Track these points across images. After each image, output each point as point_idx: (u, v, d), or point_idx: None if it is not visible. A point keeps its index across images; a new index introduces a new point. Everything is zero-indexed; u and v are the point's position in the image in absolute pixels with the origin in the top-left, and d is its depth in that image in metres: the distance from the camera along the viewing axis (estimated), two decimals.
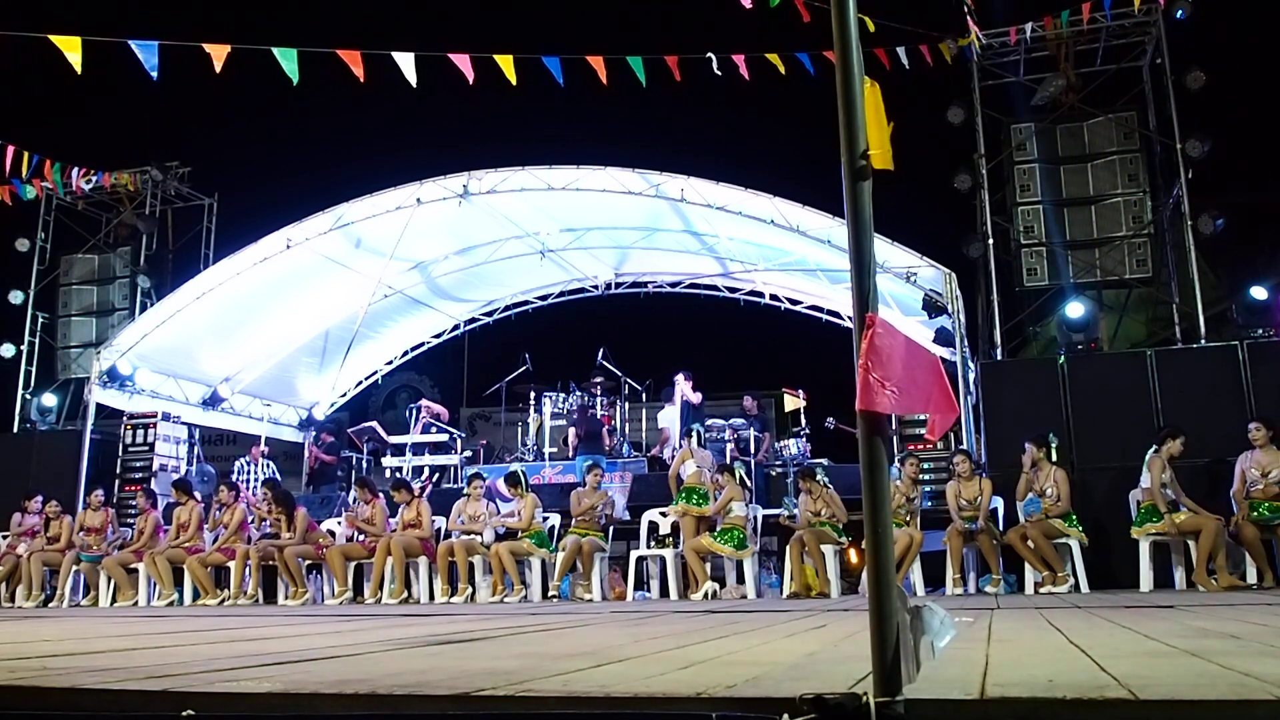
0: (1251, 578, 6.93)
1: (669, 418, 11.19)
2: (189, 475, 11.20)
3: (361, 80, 6.79)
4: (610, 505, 8.85)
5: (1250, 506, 7.06)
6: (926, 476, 8.83)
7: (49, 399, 12.50)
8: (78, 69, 5.84)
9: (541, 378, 12.19)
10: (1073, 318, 9.80)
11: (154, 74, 6.06)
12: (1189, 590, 6.95)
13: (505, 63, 7.42)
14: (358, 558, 8.83)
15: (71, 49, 5.87)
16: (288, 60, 6.54)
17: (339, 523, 9.34)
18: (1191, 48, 10.02)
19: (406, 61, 7.02)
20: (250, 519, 9.38)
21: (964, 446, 8.42)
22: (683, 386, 10.98)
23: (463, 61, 7.33)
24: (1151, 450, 7.38)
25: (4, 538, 10.10)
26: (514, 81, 7.40)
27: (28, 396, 12.63)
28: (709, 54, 8.40)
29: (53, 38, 5.84)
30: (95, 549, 9.43)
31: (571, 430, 11.36)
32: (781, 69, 8.57)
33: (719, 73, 8.41)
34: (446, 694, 1.80)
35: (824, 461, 9.89)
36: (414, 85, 6.99)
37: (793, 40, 8.65)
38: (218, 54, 6.35)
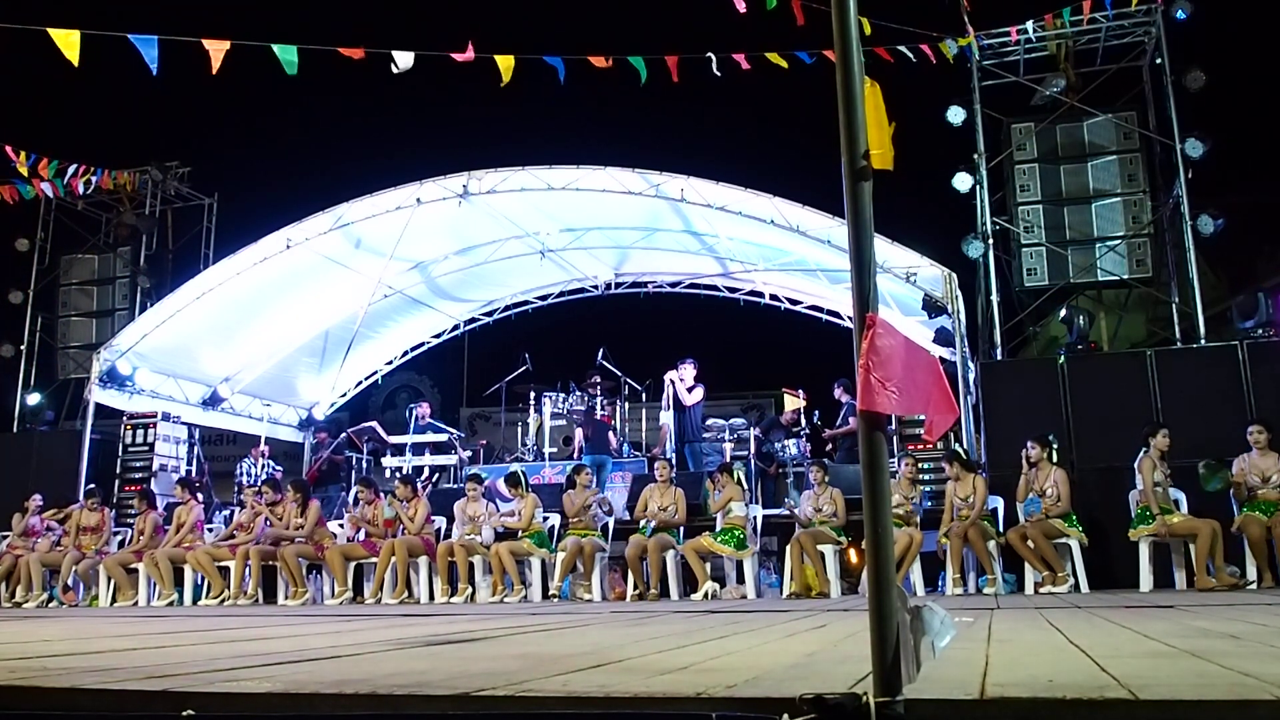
0: (1251, 576, 6.92)
1: (669, 417, 11.18)
2: (204, 474, 11.34)
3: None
4: (605, 503, 8.84)
5: (1250, 506, 7.06)
6: (926, 477, 8.83)
7: (34, 398, 12.51)
8: (74, 61, 5.82)
9: (541, 378, 12.19)
10: (1059, 317, 9.91)
11: (154, 67, 6.04)
12: (1189, 590, 6.95)
13: (504, 62, 7.40)
14: (358, 558, 8.83)
15: (69, 45, 5.85)
16: (287, 57, 6.53)
17: (340, 524, 9.34)
18: (1191, 48, 10.05)
19: (405, 58, 7.01)
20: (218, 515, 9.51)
21: (954, 448, 8.38)
22: (676, 384, 10.88)
23: (463, 59, 7.30)
24: (1141, 453, 7.38)
25: (3, 538, 10.10)
26: (506, 79, 7.37)
27: (28, 401, 12.65)
28: (709, 54, 8.39)
29: (51, 31, 5.83)
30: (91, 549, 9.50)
31: (579, 431, 11.35)
32: (785, 64, 8.55)
33: (718, 73, 8.41)
34: (446, 694, 1.80)
35: (824, 461, 9.88)
36: (412, 79, 6.98)
37: (791, 42, 8.65)
38: (216, 51, 6.33)
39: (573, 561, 8.33)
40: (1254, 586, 6.81)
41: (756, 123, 19.00)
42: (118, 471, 11.11)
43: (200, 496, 9.97)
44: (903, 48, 9.24)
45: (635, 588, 8.29)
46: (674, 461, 10.23)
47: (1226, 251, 11.48)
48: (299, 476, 10.65)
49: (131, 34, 6.02)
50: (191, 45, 6.30)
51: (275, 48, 6.49)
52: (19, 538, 9.82)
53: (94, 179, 12.59)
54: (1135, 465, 7.39)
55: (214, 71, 6.29)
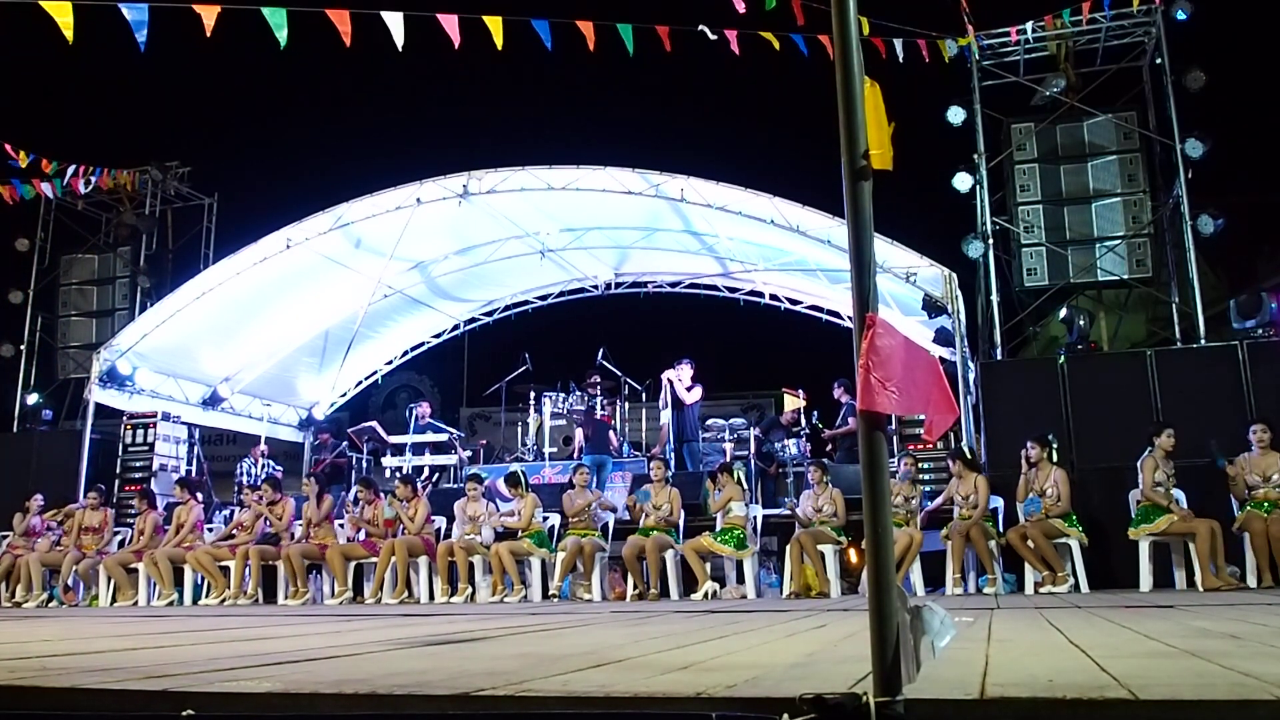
0: (1251, 579, 6.92)
1: (668, 417, 11.17)
2: (204, 474, 11.39)
3: (348, 44, 6.71)
4: (608, 506, 8.85)
5: (1252, 505, 7.06)
6: (926, 477, 8.82)
7: (31, 398, 12.53)
8: (69, 36, 5.80)
9: (541, 378, 12.19)
10: (1059, 318, 9.93)
11: (142, 41, 6.02)
12: (1189, 590, 6.95)
13: (494, 24, 7.30)
14: (358, 558, 8.84)
15: (63, 14, 5.83)
16: (277, 22, 6.50)
17: (341, 524, 9.34)
18: (1191, 48, 10.04)
19: (395, 22, 6.95)
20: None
21: (959, 447, 8.39)
22: (675, 383, 10.85)
23: (450, 23, 7.22)
24: (1145, 452, 7.38)
25: (4, 538, 10.12)
26: (500, 47, 7.30)
27: (29, 400, 12.65)
28: (700, 26, 8.26)
29: (43, 3, 5.80)
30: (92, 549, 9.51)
31: (579, 430, 11.34)
32: (776, 44, 8.47)
33: (713, 36, 8.24)
34: (446, 694, 1.80)
35: (824, 461, 9.89)
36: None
37: (790, 42, 8.63)
38: (208, 17, 6.31)
39: (572, 561, 8.33)
40: (1254, 586, 6.81)
41: (756, 123, 19.00)
42: (118, 471, 11.11)
43: (200, 496, 9.97)
44: (898, 45, 9.22)
45: (635, 588, 8.30)
46: (672, 461, 10.24)
47: (1226, 251, 11.49)
48: (315, 472, 10.82)
49: (123, 2, 6.00)
50: (183, 12, 6.27)
51: (264, 11, 6.45)
52: (20, 538, 9.83)
53: (94, 179, 12.59)
54: (1138, 464, 7.39)
55: (208, 35, 6.25)
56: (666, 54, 8.12)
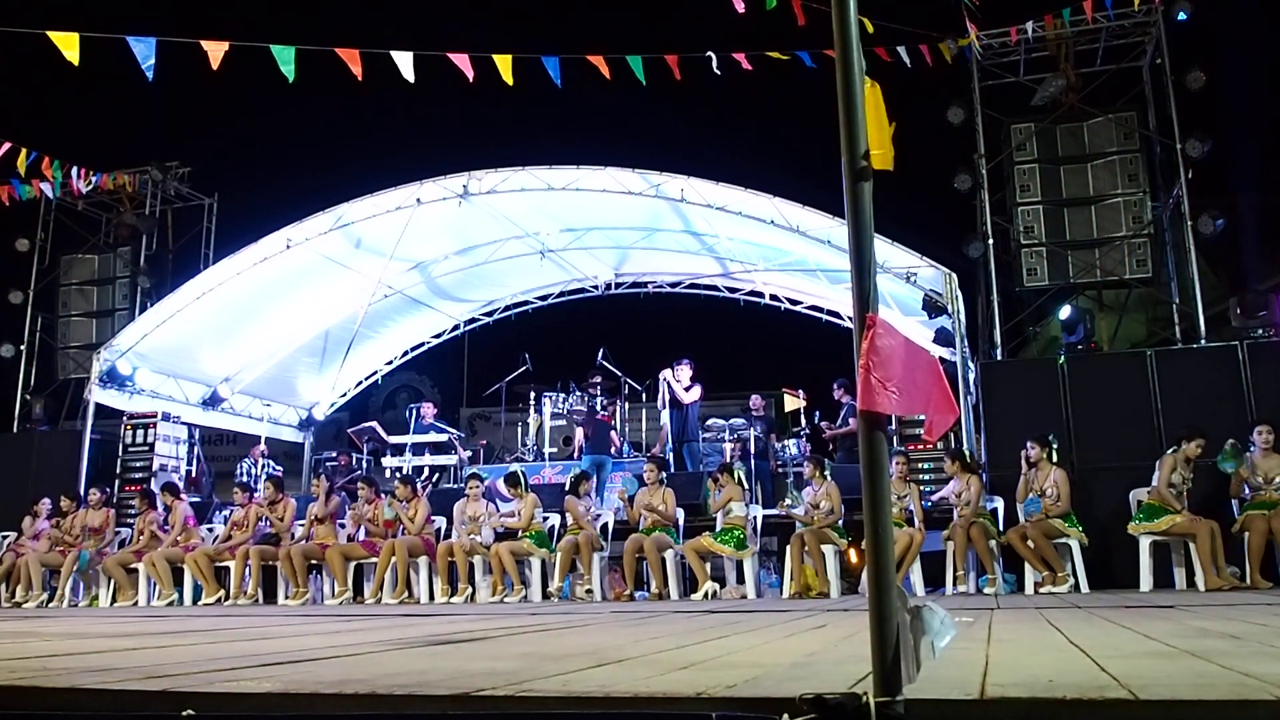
0: (1249, 579, 6.92)
1: (667, 417, 11.16)
2: (202, 474, 11.39)
3: (360, 79, 6.76)
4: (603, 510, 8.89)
5: (1252, 506, 7.06)
6: (926, 476, 8.82)
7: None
8: (74, 61, 5.82)
9: (541, 378, 12.19)
10: (1060, 318, 9.89)
11: (150, 73, 6.03)
12: (1189, 590, 6.95)
13: (503, 63, 7.38)
14: (358, 558, 8.84)
15: (69, 46, 5.85)
16: (285, 59, 6.52)
17: (342, 524, 9.34)
18: (1191, 48, 10.04)
19: (405, 60, 7.00)
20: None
21: (953, 448, 8.39)
22: (673, 383, 10.82)
23: (462, 61, 7.30)
24: (1169, 451, 7.38)
25: (4, 538, 10.12)
26: (510, 82, 7.36)
27: (28, 397, 12.65)
28: (709, 53, 8.36)
29: (50, 34, 5.82)
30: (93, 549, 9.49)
31: (580, 430, 11.34)
32: (784, 57, 8.52)
33: (718, 72, 8.36)
34: (446, 694, 1.80)
35: (818, 458, 9.89)
36: (412, 83, 6.95)
37: (790, 42, 8.64)
38: (215, 52, 6.32)
39: (570, 560, 8.33)
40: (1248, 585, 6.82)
41: (756, 123, 19.02)
42: (118, 471, 11.11)
43: (184, 496, 9.96)
44: (902, 51, 9.22)
45: (627, 588, 8.32)
46: (670, 461, 10.23)
47: (1226, 251, 11.49)
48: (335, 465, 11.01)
49: (130, 35, 6.01)
50: (190, 46, 6.29)
51: (273, 49, 6.47)
52: (29, 540, 9.84)
53: (94, 179, 12.57)
54: (1158, 461, 7.39)
55: (214, 69, 6.27)
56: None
